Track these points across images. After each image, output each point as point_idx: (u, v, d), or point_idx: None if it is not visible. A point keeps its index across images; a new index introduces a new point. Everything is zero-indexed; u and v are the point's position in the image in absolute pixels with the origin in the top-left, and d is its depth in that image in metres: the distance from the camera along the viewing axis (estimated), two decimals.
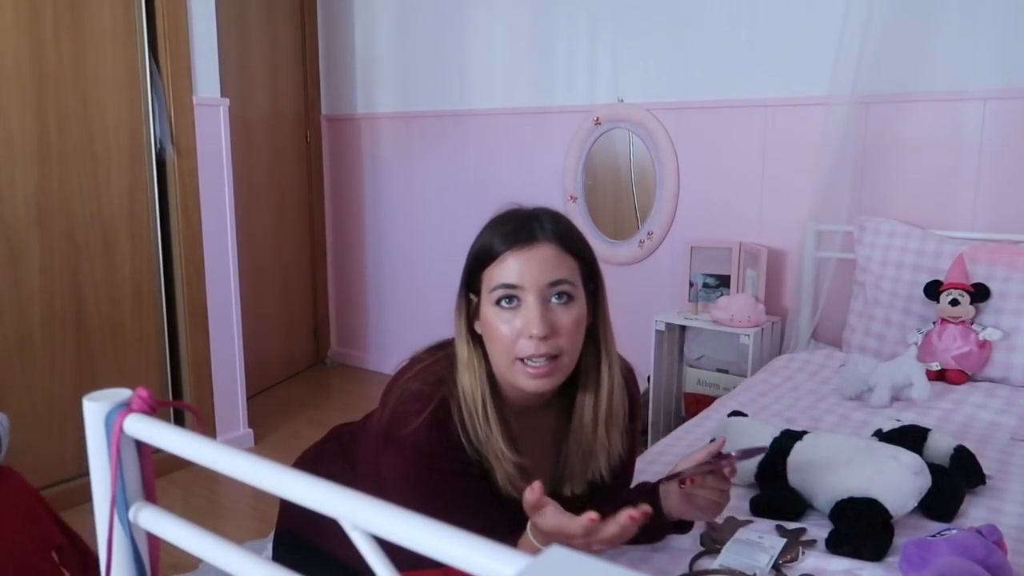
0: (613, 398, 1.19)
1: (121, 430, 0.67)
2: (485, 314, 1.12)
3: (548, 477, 1.19)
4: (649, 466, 1.59)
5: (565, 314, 1.10)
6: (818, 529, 1.33)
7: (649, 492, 1.19)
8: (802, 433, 1.51)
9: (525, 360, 1.09)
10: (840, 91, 2.49)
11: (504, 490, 1.14)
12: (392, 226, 3.87)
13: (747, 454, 1.10)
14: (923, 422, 1.73)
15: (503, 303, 1.10)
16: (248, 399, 3.07)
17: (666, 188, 2.99)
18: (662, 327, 2.74)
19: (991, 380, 2.19)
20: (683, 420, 2.41)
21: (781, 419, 1.88)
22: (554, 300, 1.10)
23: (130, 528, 0.70)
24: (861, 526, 1.27)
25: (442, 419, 1.11)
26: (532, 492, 0.99)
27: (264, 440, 3.10)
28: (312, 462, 1.41)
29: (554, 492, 1.17)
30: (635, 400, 1.27)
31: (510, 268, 1.09)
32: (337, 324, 4.20)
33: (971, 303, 2.19)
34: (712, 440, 1.29)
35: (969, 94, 2.40)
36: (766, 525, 1.34)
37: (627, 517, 0.96)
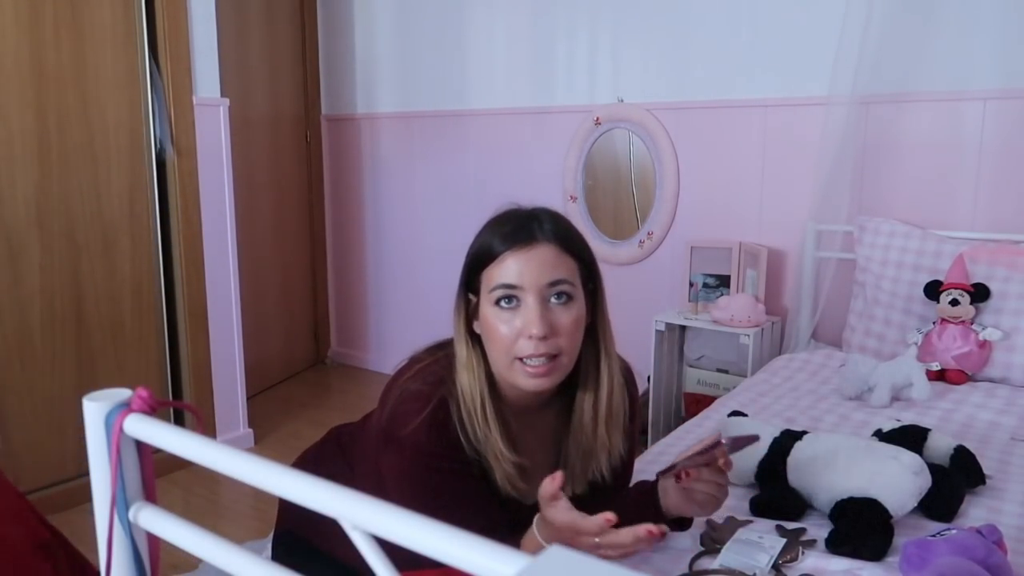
0: (613, 398, 1.19)
1: (121, 430, 0.67)
2: (484, 314, 1.12)
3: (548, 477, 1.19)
4: (649, 466, 1.59)
5: (564, 314, 1.10)
6: (818, 529, 1.33)
7: (648, 491, 1.19)
8: (802, 433, 1.51)
9: (524, 360, 1.09)
10: (840, 91, 2.49)
11: (503, 490, 1.14)
12: (392, 226, 3.87)
13: (738, 442, 1.10)
14: (923, 422, 1.73)
15: (502, 303, 1.10)
16: (248, 399, 3.07)
17: (666, 188, 2.99)
18: (662, 327, 2.75)
19: (991, 380, 2.19)
20: (683, 420, 2.41)
21: (781, 419, 1.88)
22: (553, 300, 1.10)
23: (130, 528, 0.70)
24: (861, 526, 1.27)
25: (441, 419, 1.12)
26: (552, 481, 0.99)
27: (264, 440, 3.10)
28: (311, 462, 1.41)
29: None
30: (634, 400, 1.27)
31: (509, 268, 1.09)
32: (337, 324, 4.20)
33: (971, 303, 2.19)
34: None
35: (969, 94, 2.40)
36: (766, 525, 1.34)
37: (646, 531, 0.96)
